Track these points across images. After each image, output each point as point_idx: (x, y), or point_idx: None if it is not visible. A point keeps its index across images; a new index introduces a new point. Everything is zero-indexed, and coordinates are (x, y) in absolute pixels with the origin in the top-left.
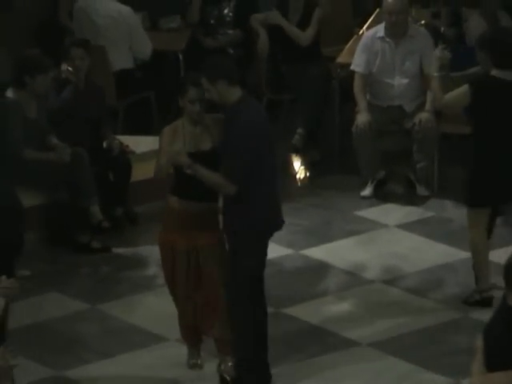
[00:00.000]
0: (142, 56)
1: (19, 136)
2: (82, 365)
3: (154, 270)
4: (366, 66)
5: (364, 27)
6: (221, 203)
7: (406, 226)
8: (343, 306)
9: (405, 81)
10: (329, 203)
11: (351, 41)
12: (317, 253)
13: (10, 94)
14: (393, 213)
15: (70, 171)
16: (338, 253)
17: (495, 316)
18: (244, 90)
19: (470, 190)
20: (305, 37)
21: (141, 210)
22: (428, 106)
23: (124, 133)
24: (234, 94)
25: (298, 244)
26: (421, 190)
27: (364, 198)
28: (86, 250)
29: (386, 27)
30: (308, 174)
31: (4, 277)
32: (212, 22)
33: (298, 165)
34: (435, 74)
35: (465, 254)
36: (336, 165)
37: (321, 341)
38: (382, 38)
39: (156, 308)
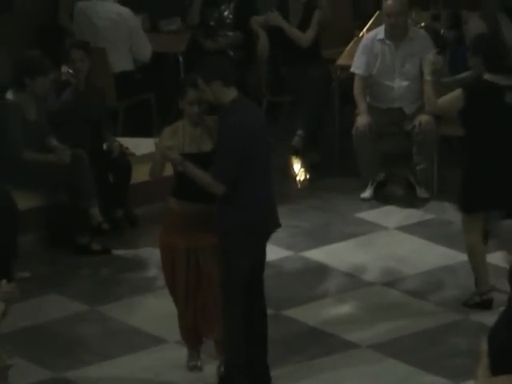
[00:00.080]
0: (141, 58)
1: (19, 137)
2: (81, 366)
3: (154, 271)
4: (366, 68)
5: (364, 29)
6: None
7: (406, 228)
8: (343, 308)
9: (405, 83)
10: (329, 205)
11: (351, 43)
12: (316, 255)
13: (10, 95)
14: (393, 215)
15: (70, 173)
16: (337, 255)
17: (500, 320)
18: (244, 91)
19: (463, 195)
20: (305, 38)
21: (140, 211)
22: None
23: (124, 135)
24: (229, 94)
25: (298, 246)
26: (421, 192)
27: (364, 200)
28: (86, 252)
29: (385, 29)
30: (308, 176)
31: (4, 281)
32: (212, 23)
33: (297, 167)
34: (428, 79)
35: (465, 257)
36: (336, 167)
37: (320, 343)
38: (382, 40)
39: (156, 310)
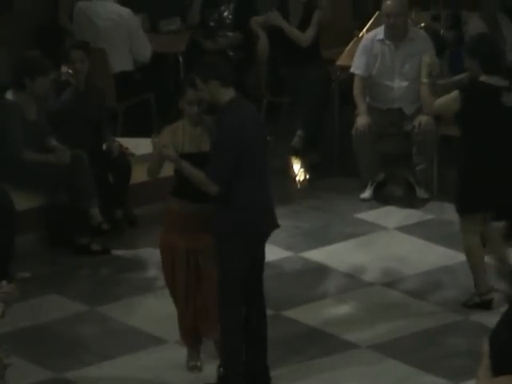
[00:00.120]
0: (141, 58)
1: (19, 138)
2: (81, 367)
3: (154, 271)
4: (366, 69)
5: (364, 30)
6: None
7: (406, 229)
8: (343, 309)
9: (404, 83)
10: (328, 206)
11: (351, 43)
12: (316, 255)
13: (9, 95)
14: (392, 215)
15: (70, 173)
16: (337, 255)
17: (501, 320)
18: (243, 92)
19: (460, 196)
20: (305, 38)
21: (140, 212)
22: None
23: (124, 135)
24: (226, 94)
25: (298, 246)
26: (420, 193)
27: (363, 200)
28: (86, 252)
29: (385, 30)
30: (307, 177)
31: (4, 282)
32: (212, 24)
33: (297, 167)
34: (424, 81)
35: (464, 257)
36: (336, 167)
37: (320, 343)
38: (381, 41)
39: (155, 310)
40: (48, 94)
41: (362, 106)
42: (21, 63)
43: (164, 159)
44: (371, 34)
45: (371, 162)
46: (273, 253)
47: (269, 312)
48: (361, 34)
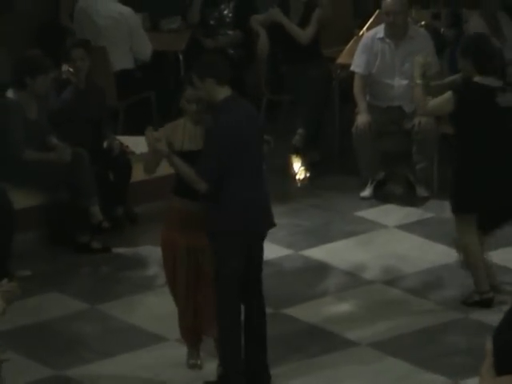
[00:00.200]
0: (142, 57)
1: (20, 136)
2: (82, 364)
3: (154, 270)
4: (366, 67)
5: (364, 28)
6: None
7: (406, 227)
8: (343, 307)
9: (404, 82)
10: (329, 204)
11: (351, 42)
12: (316, 253)
13: (10, 94)
14: (392, 213)
15: (71, 171)
16: (337, 253)
17: (505, 318)
18: (243, 90)
19: (455, 196)
20: (305, 35)
21: (141, 210)
22: None
23: (124, 133)
24: (222, 93)
25: (298, 244)
26: (420, 191)
27: (364, 198)
28: (86, 250)
29: (385, 28)
30: (308, 175)
31: (5, 280)
32: (212, 22)
33: (297, 165)
34: (418, 82)
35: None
36: (336, 165)
37: (320, 341)
38: (381, 39)
39: (156, 308)
40: (49, 92)
41: (362, 105)
42: (22, 62)
43: (156, 154)
44: (371, 33)
45: (371, 161)
46: (273, 251)
47: (269, 310)
48: (361, 33)
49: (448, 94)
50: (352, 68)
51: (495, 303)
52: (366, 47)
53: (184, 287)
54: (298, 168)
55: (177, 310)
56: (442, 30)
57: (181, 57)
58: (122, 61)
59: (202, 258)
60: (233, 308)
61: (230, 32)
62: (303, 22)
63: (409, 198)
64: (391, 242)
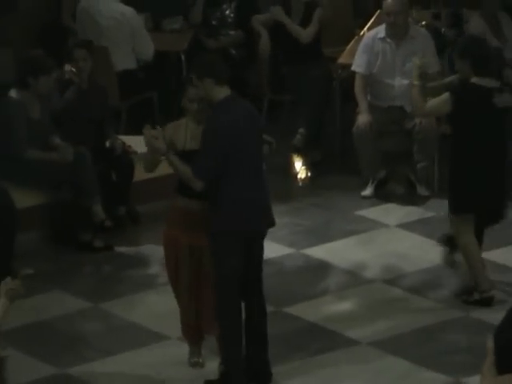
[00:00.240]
0: (144, 57)
1: (23, 136)
2: (84, 363)
3: (156, 268)
4: (367, 67)
5: (365, 28)
6: None
7: (407, 226)
8: (343, 306)
9: (405, 81)
10: (330, 203)
11: (352, 42)
12: (317, 252)
13: (13, 94)
14: (393, 213)
15: (73, 171)
16: (338, 252)
17: (506, 317)
18: (245, 90)
19: (452, 197)
20: (306, 34)
21: (143, 209)
22: None
23: (126, 133)
24: (220, 93)
25: (299, 243)
26: (421, 190)
27: (365, 197)
28: (89, 249)
29: (386, 28)
30: (309, 174)
31: (9, 278)
32: (214, 22)
33: (299, 165)
34: (415, 83)
35: None
36: (337, 165)
37: (321, 340)
38: (382, 39)
39: (157, 306)
40: (51, 92)
41: (363, 104)
42: (24, 62)
43: (154, 152)
44: (372, 33)
45: (372, 160)
46: (274, 250)
47: (270, 308)
48: (362, 33)
49: (445, 95)
50: (353, 68)
51: (495, 302)
52: (367, 47)
53: (186, 286)
54: (300, 167)
55: (178, 308)
56: (443, 30)
57: (183, 57)
58: (124, 61)
59: (205, 257)
60: (233, 307)
61: (232, 32)
62: (304, 22)
63: (409, 197)
64: (392, 241)
